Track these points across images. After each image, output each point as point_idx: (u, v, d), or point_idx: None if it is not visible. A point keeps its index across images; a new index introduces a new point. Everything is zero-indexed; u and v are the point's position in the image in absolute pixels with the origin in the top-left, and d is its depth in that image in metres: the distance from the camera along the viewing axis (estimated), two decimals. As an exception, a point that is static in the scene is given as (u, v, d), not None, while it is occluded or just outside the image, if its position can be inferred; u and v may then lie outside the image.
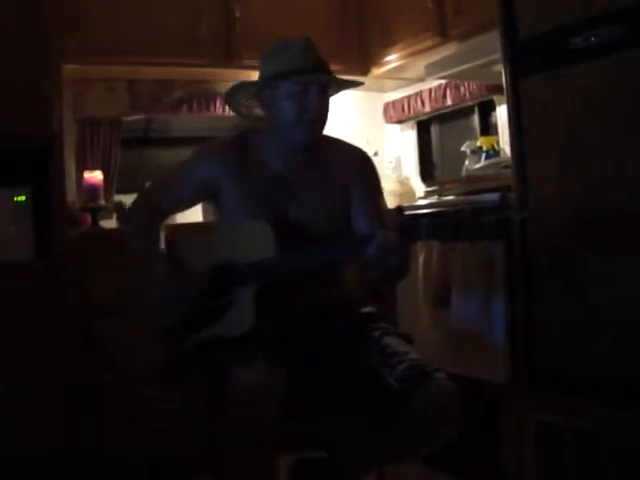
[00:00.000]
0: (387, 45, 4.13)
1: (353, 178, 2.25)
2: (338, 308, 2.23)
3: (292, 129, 2.14)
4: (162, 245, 2.34)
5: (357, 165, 2.30)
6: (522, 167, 2.64)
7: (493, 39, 2.88)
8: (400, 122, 4.73)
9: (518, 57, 2.64)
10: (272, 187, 2.20)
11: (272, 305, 2.08)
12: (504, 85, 2.70)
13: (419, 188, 4.47)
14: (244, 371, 1.90)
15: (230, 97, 2.28)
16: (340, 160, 2.28)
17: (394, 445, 2.08)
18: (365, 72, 4.28)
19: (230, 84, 4.10)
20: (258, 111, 2.28)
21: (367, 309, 2.30)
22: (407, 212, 3.32)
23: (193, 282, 2.16)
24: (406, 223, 1.92)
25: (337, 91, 2.29)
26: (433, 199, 3.56)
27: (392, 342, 2.13)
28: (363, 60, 4.29)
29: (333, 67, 2.20)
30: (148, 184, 2.69)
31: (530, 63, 2.59)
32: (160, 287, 2.19)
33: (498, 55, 2.84)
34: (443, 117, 4.48)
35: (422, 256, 3.15)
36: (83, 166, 3.89)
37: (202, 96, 4.22)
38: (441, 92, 4.23)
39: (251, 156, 2.24)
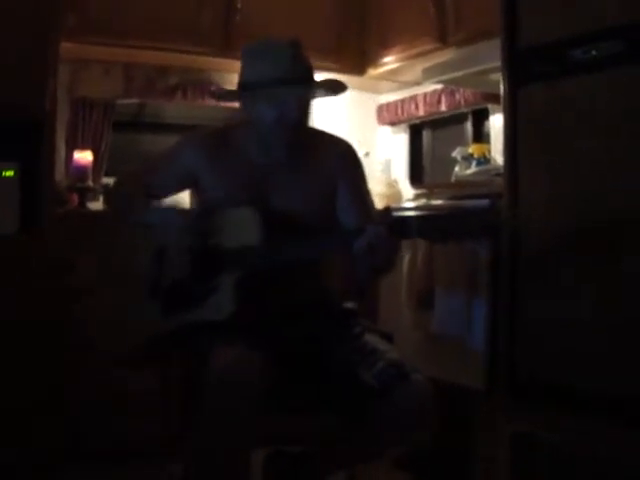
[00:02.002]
0: (385, 46, 4.14)
1: (339, 169, 2.26)
2: (318, 301, 2.23)
3: (271, 133, 2.13)
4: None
5: (342, 156, 2.31)
6: (514, 175, 2.64)
7: (492, 47, 2.89)
8: (392, 124, 4.75)
9: (517, 65, 2.64)
10: (253, 178, 2.20)
11: (253, 293, 2.08)
12: (502, 92, 2.70)
13: (407, 191, 4.48)
14: (225, 351, 1.92)
15: (221, 98, 2.29)
16: (325, 151, 2.29)
17: (367, 443, 2.08)
18: (361, 72, 4.30)
19: (226, 74, 4.12)
20: None
21: (348, 305, 2.30)
22: (395, 213, 3.32)
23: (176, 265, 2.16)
24: (395, 220, 1.92)
25: (326, 95, 2.28)
26: (421, 202, 3.57)
27: (372, 340, 2.14)
28: (360, 60, 4.29)
29: (329, 65, 2.20)
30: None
31: (529, 72, 2.59)
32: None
33: (496, 63, 2.85)
34: (436, 122, 4.49)
35: (407, 256, 3.15)
36: (73, 146, 3.88)
37: (197, 84, 4.21)
38: (436, 97, 4.24)
39: (232, 147, 2.24)
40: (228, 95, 2.30)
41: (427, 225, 1.88)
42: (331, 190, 2.24)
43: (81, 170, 3.69)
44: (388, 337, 2.21)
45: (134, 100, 4.24)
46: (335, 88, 2.25)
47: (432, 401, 2.00)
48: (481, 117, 4.13)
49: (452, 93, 4.12)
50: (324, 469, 2.21)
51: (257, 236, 2.06)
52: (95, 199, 3.78)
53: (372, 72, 4.29)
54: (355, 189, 2.28)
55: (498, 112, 3.70)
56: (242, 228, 2.09)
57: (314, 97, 2.23)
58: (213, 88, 2.07)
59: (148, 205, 2.24)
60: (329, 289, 2.30)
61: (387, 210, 2.02)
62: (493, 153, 3.81)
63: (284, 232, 2.09)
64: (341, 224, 2.23)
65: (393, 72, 4.26)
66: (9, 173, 3.17)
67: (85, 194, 3.66)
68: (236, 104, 2.34)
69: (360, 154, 2.40)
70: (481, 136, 4.12)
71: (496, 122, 3.86)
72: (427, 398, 2.00)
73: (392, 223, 1.90)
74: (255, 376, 1.88)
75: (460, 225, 1.84)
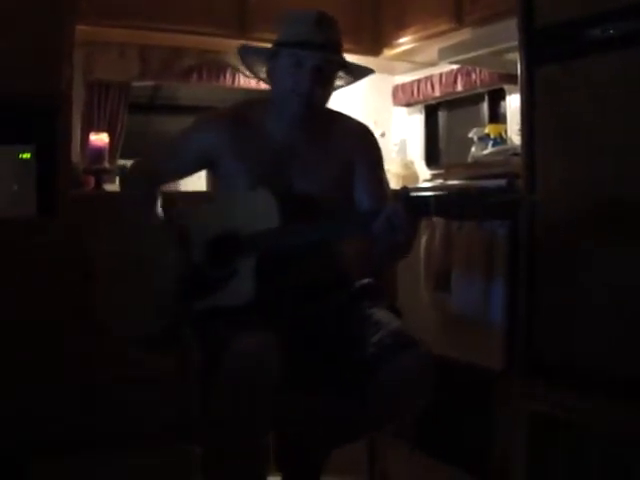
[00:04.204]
0: (401, 27, 4.13)
1: (356, 151, 2.24)
2: (335, 281, 2.23)
3: (285, 101, 2.13)
4: (159, 212, 2.31)
5: (360, 138, 2.30)
6: (531, 154, 2.63)
7: (508, 27, 2.88)
8: (408, 105, 4.73)
9: (534, 45, 2.62)
10: (273, 158, 2.18)
11: (272, 276, 2.07)
12: (519, 72, 2.68)
13: (423, 172, 4.47)
14: (244, 339, 1.90)
15: (244, 53, 2.26)
16: (343, 133, 2.27)
17: (365, 412, 2.06)
18: (377, 53, 4.28)
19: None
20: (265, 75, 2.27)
21: (364, 281, 2.29)
22: (411, 193, 3.31)
23: (193, 250, 2.16)
24: (413, 198, 1.91)
25: (350, 81, 2.28)
26: (438, 183, 3.57)
27: (378, 313, 2.12)
28: (375, 41, 4.28)
29: (344, 46, 2.17)
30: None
31: (546, 52, 2.57)
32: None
33: (512, 43, 2.84)
34: (451, 103, 4.48)
35: (425, 237, 3.14)
36: (89, 128, 3.89)
37: (212, 66, 4.21)
38: (452, 78, 4.23)
39: (252, 127, 2.22)
40: (255, 55, 2.25)
41: (445, 203, 1.87)
42: (348, 172, 2.23)
43: (97, 152, 3.70)
44: (396, 311, 2.20)
45: (149, 82, 4.26)
46: (360, 72, 2.25)
47: (429, 372, 1.97)
48: (497, 97, 4.11)
49: (468, 73, 4.10)
50: (325, 445, 2.20)
51: (276, 218, 2.05)
52: (111, 181, 3.80)
53: (388, 53, 4.28)
54: (372, 172, 2.26)
55: (514, 92, 3.69)
56: (260, 211, 2.08)
57: (334, 72, 2.18)
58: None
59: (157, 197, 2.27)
60: (345, 269, 2.30)
61: (404, 189, 2.01)
62: (509, 133, 3.80)
63: (303, 214, 2.09)
64: (357, 206, 2.23)
65: (409, 53, 4.25)
66: (26, 155, 3.20)
67: (101, 176, 3.67)
68: (252, 85, 2.34)
69: (376, 135, 2.39)
70: (497, 117, 4.11)
71: (512, 102, 3.85)
72: (422, 370, 1.96)
73: (410, 201, 1.89)
74: (275, 361, 1.88)
75: (478, 202, 1.83)
